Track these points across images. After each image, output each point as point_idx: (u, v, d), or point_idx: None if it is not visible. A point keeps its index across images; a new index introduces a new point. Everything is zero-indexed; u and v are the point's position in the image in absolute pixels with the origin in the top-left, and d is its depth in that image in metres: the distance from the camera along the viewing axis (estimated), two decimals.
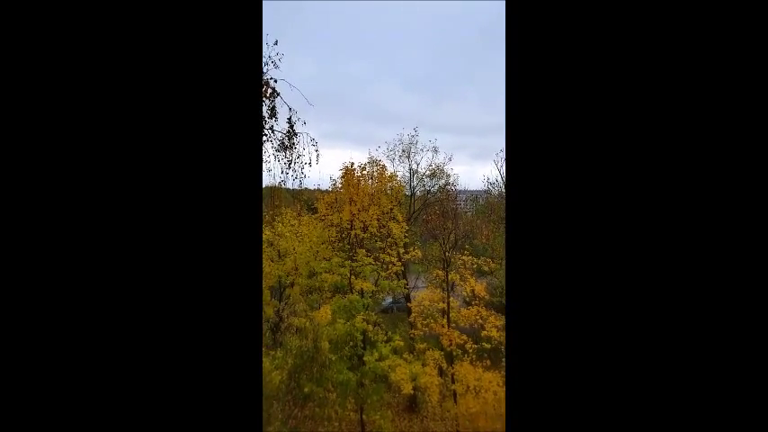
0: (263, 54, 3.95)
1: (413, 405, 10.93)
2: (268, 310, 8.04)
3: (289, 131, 4.59)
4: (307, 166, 5.00)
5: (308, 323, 7.11)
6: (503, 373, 9.04)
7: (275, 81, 4.00)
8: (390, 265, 10.09)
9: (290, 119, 4.42)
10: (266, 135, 4.41)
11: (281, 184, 5.10)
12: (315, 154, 4.91)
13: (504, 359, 10.89)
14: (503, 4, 1.79)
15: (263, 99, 4.07)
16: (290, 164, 4.88)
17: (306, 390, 7.15)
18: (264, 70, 3.93)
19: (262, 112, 4.07)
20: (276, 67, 4.00)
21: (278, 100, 4.26)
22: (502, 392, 8.33)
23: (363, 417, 8.55)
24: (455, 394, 8.92)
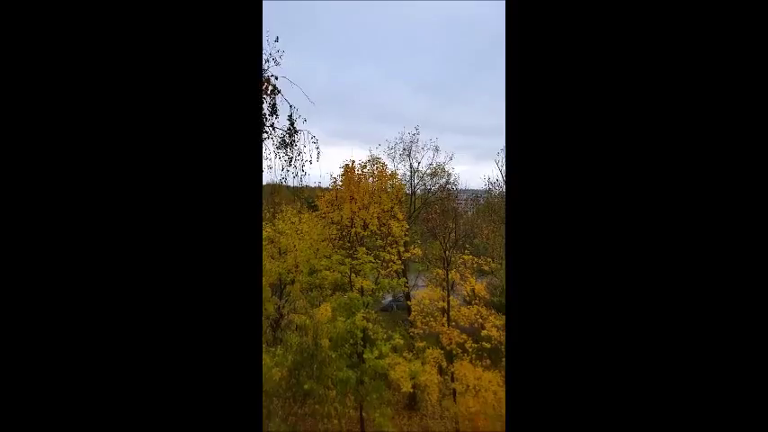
0: (264, 51, 3.96)
1: (412, 403, 10.95)
2: (268, 307, 8.07)
3: (289, 129, 4.61)
4: (307, 164, 5.02)
5: (308, 320, 7.13)
6: (503, 372, 9.03)
7: (276, 78, 4.01)
8: (390, 264, 10.10)
9: (290, 116, 4.43)
10: (267, 132, 4.43)
11: (282, 181, 5.13)
12: (315, 151, 4.92)
13: (503, 359, 10.91)
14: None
15: (264, 96, 4.08)
16: (290, 161, 4.89)
17: (306, 387, 7.18)
18: (265, 67, 3.95)
19: (261, 108, 4.08)
20: (277, 64, 4.02)
21: (279, 97, 4.28)
22: (502, 392, 8.33)
23: (363, 414, 8.56)
24: (455, 393, 8.93)
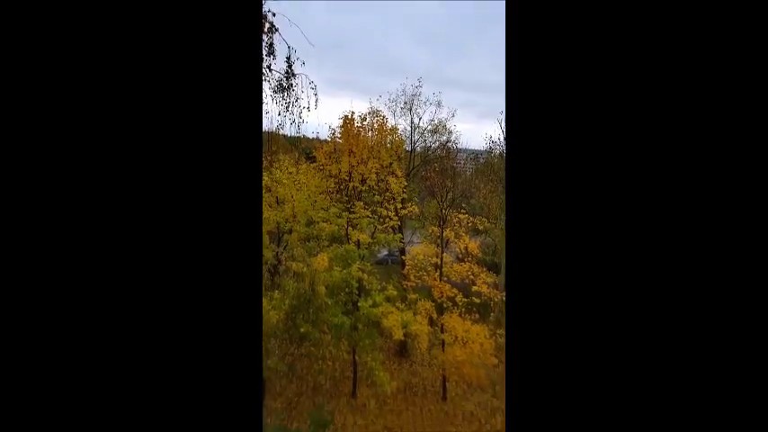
0: None
1: (403, 351, 11.56)
2: (266, 254, 8.28)
3: (287, 72, 4.48)
4: (305, 111, 4.93)
5: (305, 268, 7.35)
6: (490, 326, 9.48)
7: (273, 14, 3.85)
8: (387, 219, 10.24)
9: (288, 58, 4.30)
10: (263, 74, 4.31)
11: (279, 128, 5.05)
12: (314, 98, 4.81)
13: (492, 314, 11.38)
14: None
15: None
16: (287, 107, 4.80)
17: (302, 330, 7.55)
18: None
19: (261, 47, 3.95)
20: None
21: (276, 37, 4.12)
22: (488, 344, 8.79)
23: (356, 358, 9.08)
24: (443, 343, 9.41)
